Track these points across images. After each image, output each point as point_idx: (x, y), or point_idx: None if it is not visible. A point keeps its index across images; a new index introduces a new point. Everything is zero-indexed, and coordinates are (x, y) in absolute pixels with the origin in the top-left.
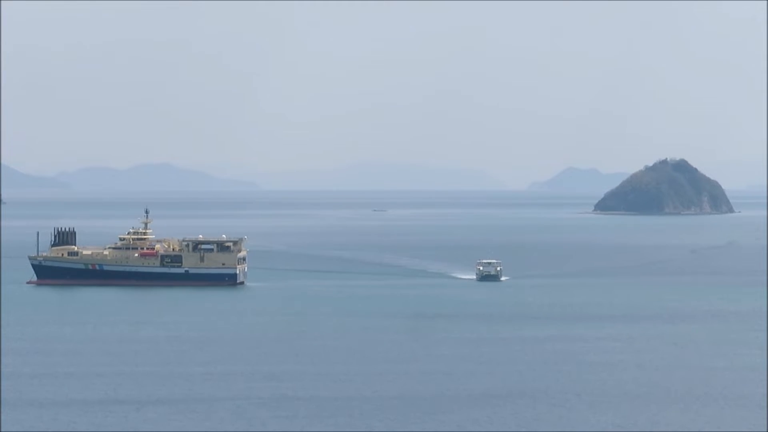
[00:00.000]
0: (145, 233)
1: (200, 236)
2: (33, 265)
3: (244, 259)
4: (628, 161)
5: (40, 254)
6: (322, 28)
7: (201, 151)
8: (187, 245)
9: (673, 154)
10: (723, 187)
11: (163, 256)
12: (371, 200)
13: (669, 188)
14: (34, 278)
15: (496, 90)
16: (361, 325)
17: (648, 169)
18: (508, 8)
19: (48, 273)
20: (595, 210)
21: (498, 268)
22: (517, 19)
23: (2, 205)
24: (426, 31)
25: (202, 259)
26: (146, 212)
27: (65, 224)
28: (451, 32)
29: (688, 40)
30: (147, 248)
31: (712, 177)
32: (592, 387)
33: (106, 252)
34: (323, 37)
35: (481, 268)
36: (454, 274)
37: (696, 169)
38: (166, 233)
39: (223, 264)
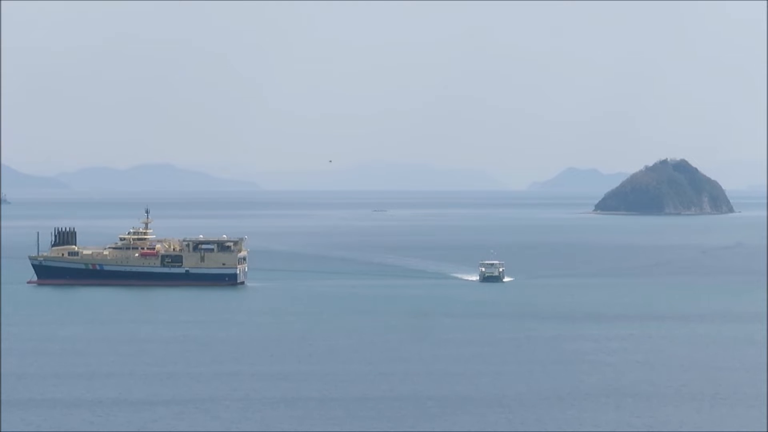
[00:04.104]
0: (145, 233)
1: (201, 236)
2: (33, 265)
3: (244, 259)
4: (629, 161)
5: (40, 254)
6: (325, 29)
7: (202, 151)
8: (188, 245)
9: (674, 154)
10: (723, 187)
11: (163, 256)
12: (371, 200)
13: (669, 188)
14: (35, 278)
15: (496, 90)
16: (364, 325)
17: (648, 169)
18: (509, 9)
19: (48, 273)
20: (595, 210)
21: (501, 269)
22: (519, 20)
23: (7, 205)
24: (427, 32)
25: (202, 259)
26: (146, 212)
27: (65, 224)
28: (453, 34)
29: (690, 41)
30: (147, 248)
31: (712, 177)
32: (601, 387)
33: (106, 252)
34: (325, 39)
35: (484, 269)
36: (456, 275)
37: (696, 169)
38: (167, 233)
39: (224, 264)
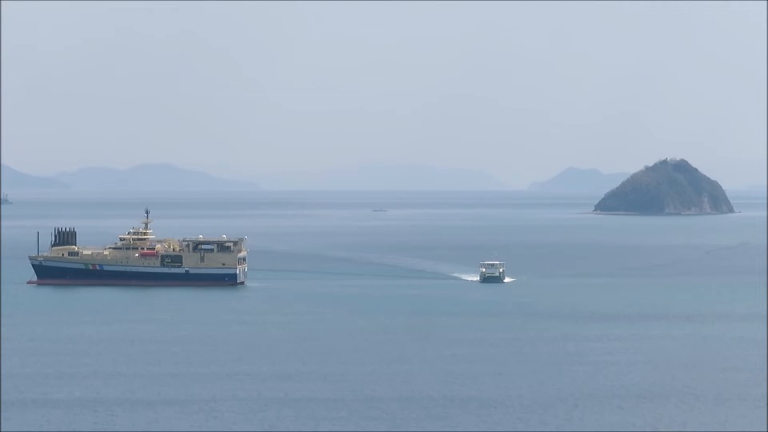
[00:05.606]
0: (145, 233)
1: (200, 236)
2: (33, 265)
3: (244, 259)
4: (629, 161)
5: (40, 254)
6: (326, 29)
7: (201, 151)
8: (188, 245)
9: (675, 154)
10: (723, 187)
11: (163, 256)
12: (371, 200)
13: (669, 188)
14: (35, 278)
15: (497, 90)
16: (364, 325)
17: (648, 169)
18: (511, 10)
19: (48, 273)
20: (595, 210)
21: (501, 270)
22: (521, 20)
23: (7, 205)
24: (429, 32)
25: (202, 259)
26: (146, 212)
27: (65, 224)
28: (454, 34)
29: (692, 40)
30: (147, 248)
31: (712, 177)
32: (602, 387)
33: (106, 252)
34: (327, 39)
35: (484, 269)
36: (456, 275)
37: (696, 170)
38: (167, 233)
39: (224, 264)
